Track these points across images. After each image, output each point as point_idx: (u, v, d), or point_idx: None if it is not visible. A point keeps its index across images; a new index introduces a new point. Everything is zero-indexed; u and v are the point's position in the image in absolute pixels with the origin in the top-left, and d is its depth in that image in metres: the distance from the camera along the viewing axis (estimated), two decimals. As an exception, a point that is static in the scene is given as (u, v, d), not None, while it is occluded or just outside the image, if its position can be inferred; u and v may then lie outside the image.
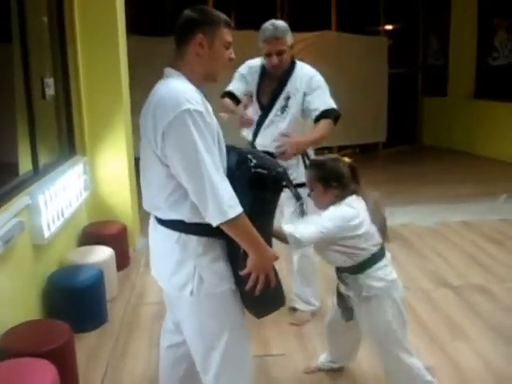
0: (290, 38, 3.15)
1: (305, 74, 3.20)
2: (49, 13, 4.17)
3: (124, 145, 4.58)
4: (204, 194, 1.76)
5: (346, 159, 2.44)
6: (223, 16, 1.97)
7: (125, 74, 4.60)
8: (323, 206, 2.40)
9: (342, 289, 2.50)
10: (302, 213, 3.26)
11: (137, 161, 2.33)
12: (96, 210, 4.64)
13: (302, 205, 3.25)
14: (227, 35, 1.96)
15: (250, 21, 7.68)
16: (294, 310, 3.55)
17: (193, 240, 1.91)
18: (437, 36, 9.90)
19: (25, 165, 3.57)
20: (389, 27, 9.62)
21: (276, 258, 1.96)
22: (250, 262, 1.88)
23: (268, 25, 3.13)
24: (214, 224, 1.79)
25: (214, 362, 2.01)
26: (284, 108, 3.23)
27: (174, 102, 1.77)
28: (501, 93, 8.38)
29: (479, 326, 3.38)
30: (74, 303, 3.36)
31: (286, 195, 3.37)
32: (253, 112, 3.34)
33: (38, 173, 3.61)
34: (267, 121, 3.29)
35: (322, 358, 2.91)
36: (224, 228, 1.80)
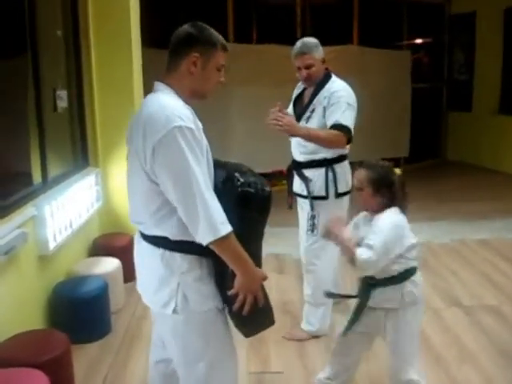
0: (318, 52, 3.24)
1: (330, 88, 3.23)
2: (64, 25, 4.25)
3: (136, 157, 4.60)
4: (195, 212, 1.74)
5: (398, 170, 2.43)
6: (221, 38, 1.96)
7: (138, 87, 4.65)
8: (369, 207, 2.43)
9: (371, 303, 2.45)
10: (313, 226, 3.28)
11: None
12: (108, 222, 4.67)
13: (313, 217, 3.27)
14: (222, 58, 1.96)
15: (270, 35, 7.75)
16: None
17: (177, 257, 1.88)
18: (462, 50, 9.77)
19: (37, 175, 3.62)
20: (413, 41, 9.53)
21: (264, 279, 1.93)
22: (237, 283, 1.85)
23: (298, 42, 3.27)
24: (205, 243, 1.76)
25: (196, 380, 1.98)
26: (308, 119, 3.28)
27: (165, 119, 1.76)
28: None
29: (488, 350, 3.28)
30: (77, 314, 3.39)
31: (300, 206, 3.41)
32: None
33: (46, 184, 3.65)
34: None
35: (320, 375, 2.85)
36: (213, 247, 1.78)
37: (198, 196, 1.73)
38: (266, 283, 1.95)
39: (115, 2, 4.44)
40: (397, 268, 2.37)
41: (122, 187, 4.62)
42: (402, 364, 2.44)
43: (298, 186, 3.41)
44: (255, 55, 7.20)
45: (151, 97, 1.92)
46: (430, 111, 9.84)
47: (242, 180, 1.86)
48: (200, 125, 1.91)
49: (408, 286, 2.39)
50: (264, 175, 2.28)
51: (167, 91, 1.91)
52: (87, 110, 4.48)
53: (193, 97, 1.97)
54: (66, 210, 3.68)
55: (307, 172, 3.31)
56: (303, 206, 3.40)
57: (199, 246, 1.78)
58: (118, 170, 4.64)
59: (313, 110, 3.27)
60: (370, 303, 2.45)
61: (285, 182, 3.80)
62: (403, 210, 2.40)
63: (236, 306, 1.87)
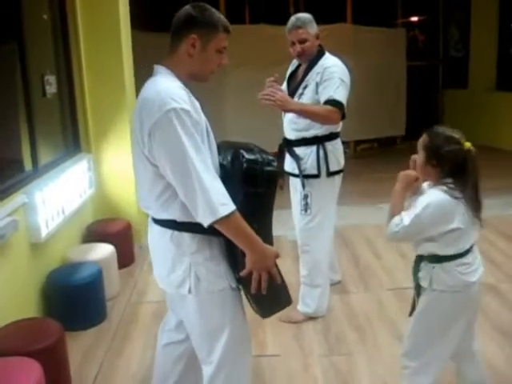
0: (312, 27, 3.20)
1: (323, 64, 3.19)
2: (51, 10, 4.17)
3: (129, 141, 4.53)
4: (193, 193, 1.73)
5: (468, 144, 2.11)
6: (223, 19, 1.91)
7: (129, 70, 4.58)
8: (420, 176, 2.20)
9: (419, 280, 2.24)
10: (306, 206, 3.25)
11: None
12: (101, 207, 4.64)
13: (306, 197, 3.24)
14: (223, 40, 1.91)
15: (263, 15, 7.65)
16: None
17: (186, 237, 1.89)
18: (457, 27, 9.67)
19: (28, 162, 3.57)
20: (408, 19, 9.44)
21: (277, 256, 1.93)
22: (248, 262, 1.85)
23: (292, 17, 3.23)
24: (206, 224, 1.75)
25: (215, 354, 1.99)
26: (300, 96, 3.23)
27: (160, 102, 1.74)
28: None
29: (485, 328, 3.25)
30: (72, 301, 3.36)
31: (293, 186, 3.38)
32: None
33: (37, 170, 3.60)
34: None
35: None
36: (217, 227, 1.77)
37: (195, 177, 1.72)
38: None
39: (103, -16, 4.35)
40: (428, 249, 2.17)
41: (115, 173, 4.61)
42: (403, 348, 2.33)
43: (289, 164, 3.37)
44: (248, 36, 7.11)
45: (150, 81, 1.90)
46: (426, 89, 9.79)
47: (247, 157, 1.86)
48: (198, 105, 1.87)
49: (438, 271, 2.15)
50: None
51: (166, 74, 1.88)
52: (77, 94, 4.41)
53: (192, 79, 1.94)
54: (58, 196, 3.64)
55: (298, 150, 3.27)
56: (296, 186, 3.36)
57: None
58: (111, 156, 4.60)
59: (305, 87, 3.23)
60: (418, 280, 2.26)
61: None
62: (463, 190, 2.07)
63: (253, 285, 1.87)
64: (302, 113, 3.12)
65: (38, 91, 3.78)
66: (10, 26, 3.45)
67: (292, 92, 3.29)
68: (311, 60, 3.24)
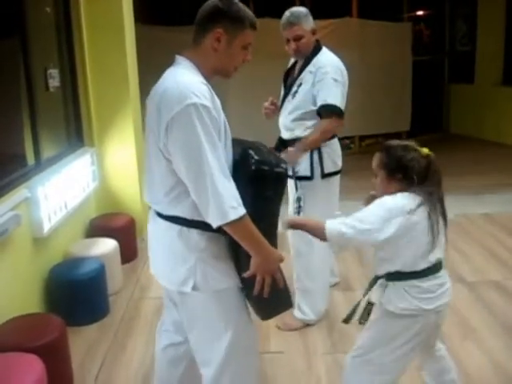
0: (308, 23, 3.05)
1: (316, 63, 3.07)
2: (54, 3, 4.13)
3: (132, 135, 4.53)
4: (205, 193, 1.69)
5: (425, 150, 2.05)
6: (251, 15, 1.86)
7: (132, 64, 4.55)
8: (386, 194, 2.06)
9: (372, 297, 2.15)
10: (299, 209, 3.13)
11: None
12: (105, 202, 4.62)
13: (299, 200, 3.12)
14: (249, 36, 1.87)
15: (268, 9, 7.58)
16: None
17: (194, 234, 1.84)
18: (464, 21, 9.59)
19: (30, 156, 3.55)
20: (414, 13, 9.36)
21: (281, 260, 1.89)
22: (253, 264, 1.81)
23: (286, 12, 3.08)
24: (215, 225, 1.72)
25: (217, 355, 1.94)
26: (295, 94, 3.13)
27: (180, 95, 1.69)
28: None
29: (492, 325, 3.24)
30: (74, 296, 3.35)
31: (290, 187, 3.31)
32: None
33: (39, 165, 3.58)
34: (283, 105, 3.23)
35: None
36: (225, 229, 1.74)
37: (209, 177, 1.68)
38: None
39: (106, -22, 4.31)
40: (385, 266, 2.06)
41: (118, 167, 4.59)
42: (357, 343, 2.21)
43: None
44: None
45: (169, 71, 1.85)
46: (431, 84, 9.72)
47: (256, 157, 1.80)
48: (218, 102, 1.82)
49: (389, 290, 2.05)
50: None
51: (188, 65, 1.83)
52: (80, 88, 4.38)
53: (215, 74, 1.90)
54: (61, 191, 3.62)
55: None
56: (292, 186, 3.20)
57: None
58: (114, 150, 4.58)
59: (299, 85, 3.12)
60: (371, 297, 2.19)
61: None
62: (430, 196, 1.98)
63: (256, 288, 1.83)
64: (311, 146, 3.04)
65: (40, 85, 3.75)
66: (13, 20, 3.41)
67: (289, 88, 3.21)
68: (307, 56, 3.11)
